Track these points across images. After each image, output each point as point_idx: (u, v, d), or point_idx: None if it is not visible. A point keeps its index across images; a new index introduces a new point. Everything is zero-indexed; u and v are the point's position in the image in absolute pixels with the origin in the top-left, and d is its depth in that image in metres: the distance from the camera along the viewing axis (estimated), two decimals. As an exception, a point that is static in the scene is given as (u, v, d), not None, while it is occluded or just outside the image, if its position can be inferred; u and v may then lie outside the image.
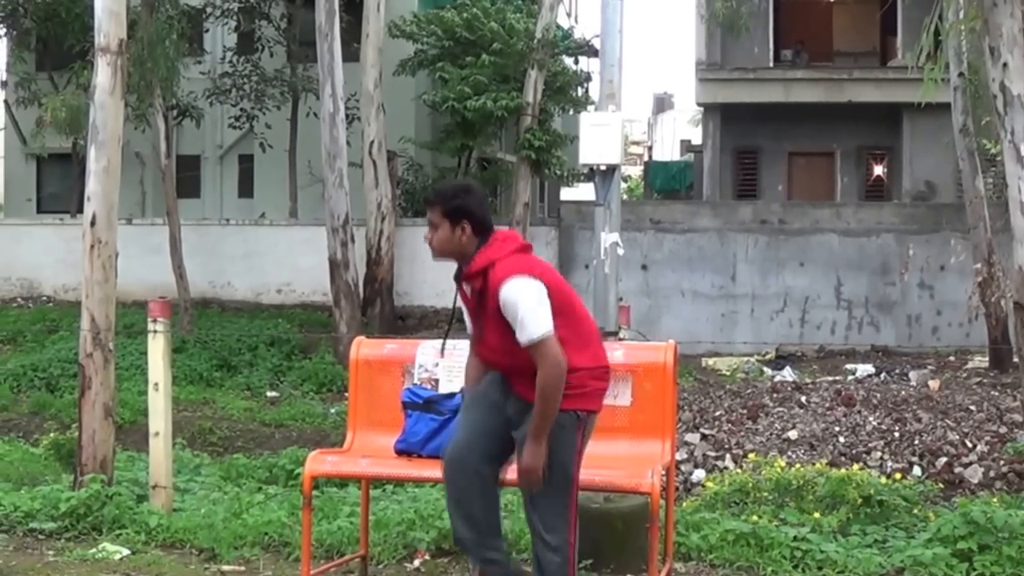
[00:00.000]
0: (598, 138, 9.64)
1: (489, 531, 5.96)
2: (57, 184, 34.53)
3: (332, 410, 18.45)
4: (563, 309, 5.76)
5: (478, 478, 5.89)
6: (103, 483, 8.70)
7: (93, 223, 9.23)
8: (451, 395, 6.62)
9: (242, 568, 7.52)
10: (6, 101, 34.52)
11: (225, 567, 7.52)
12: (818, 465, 10.61)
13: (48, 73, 30.81)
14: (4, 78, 33.31)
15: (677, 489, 10.39)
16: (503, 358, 5.89)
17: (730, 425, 13.93)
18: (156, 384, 8.78)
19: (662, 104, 69.62)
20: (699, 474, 12.78)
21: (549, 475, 5.79)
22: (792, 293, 25.86)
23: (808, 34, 33.73)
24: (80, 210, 9.87)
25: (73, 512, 8.40)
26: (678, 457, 12.30)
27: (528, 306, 5.65)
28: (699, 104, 34.23)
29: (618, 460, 6.46)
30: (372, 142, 24.53)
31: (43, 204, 35.29)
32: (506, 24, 26.49)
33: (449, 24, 27.09)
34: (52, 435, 13.27)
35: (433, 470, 6.39)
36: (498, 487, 6.05)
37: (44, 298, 28.55)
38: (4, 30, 31.16)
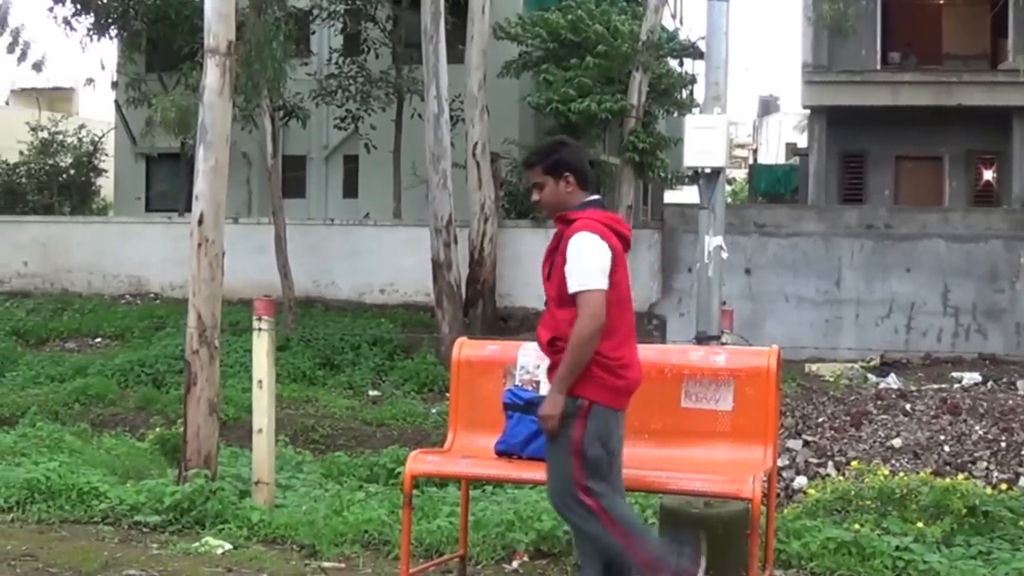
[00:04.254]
0: (703, 140, 9.59)
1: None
2: (166, 183, 35.01)
3: (433, 410, 18.51)
4: (616, 288, 5.88)
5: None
6: (207, 478, 8.80)
7: (201, 222, 9.35)
8: (551, 397, 6.62)
9: (342, 565, 7.57)
10: (117, 101, 35.05)
11: (325, 564, 7.57)
12: (922, 474, 10.45)
13: (158, 74, 31.24)
14: (115, 79, 33.82)
15: (778, 496, 10.30)
16: (548, 327, 6.00)
17: (833, 432, 13.77)
18: (260, 381, 8.86)
19: (767, 107, 69.04)
20: (801, 481, 12.65)
21: (550, 454, 6.00)
22: (898, 299, 25.50)
23: (916, 36, 33.26)
24: (188, 209, 9.98)
25: (177, 506, 8.51)
26: (780, 463, 12.19)
27: (590, 257, 5.81)
28: (805, 107, 33.88)
29: (719, 465, 6.42)
30: (476, 144, 24.59)
31: (152, 203, 35.79)
32: (611, 26, 26.43)
33: (554, 26, 27.09)
34: (158, 430, 13.42)
35: (533, 472, 6.40)
36: None
37: (151, 295, 28.94)
38: (115, 31, 31.62)
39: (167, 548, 7.91)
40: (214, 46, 9.58)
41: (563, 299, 5.88)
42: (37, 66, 37.05)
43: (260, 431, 8.86)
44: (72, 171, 37.83)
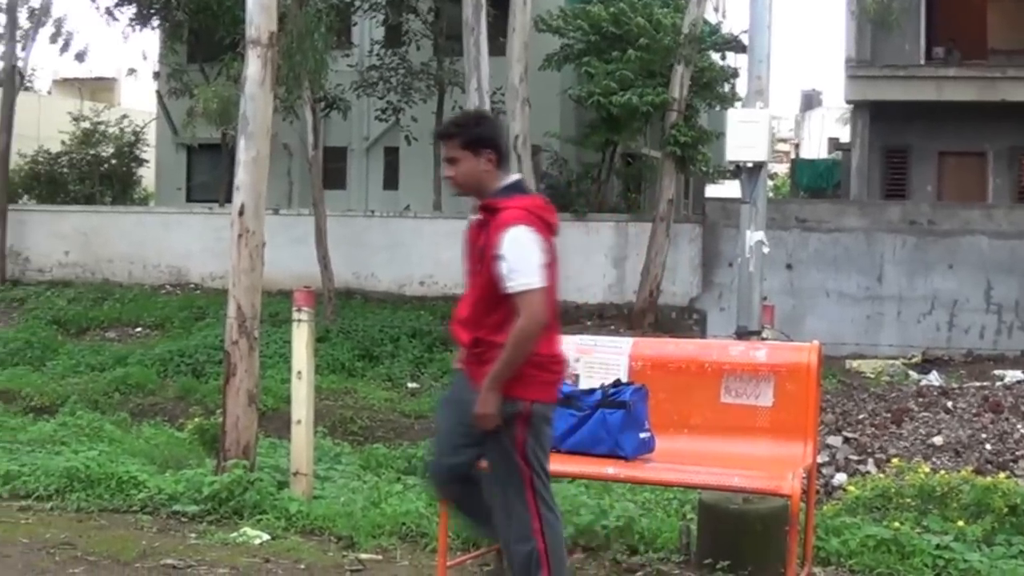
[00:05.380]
0: (745, 134, 9.52)
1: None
2: (207, 173, 35.15)
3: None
4: (548, 281, 5.57)
5: (458, 481, 5.90)
6: (245, 468, 8.81)
7: (241, 212, 9.36)
8: (591, 391, 6.59)
9: (379, 557, 7.57)
10: (158, 92, 35.21)
11: (363, 555, 7.57)
12: (963, 472, 10.40)
13: (200, 65, 31.39)
14: (157, 69, 33.98)
15: (818, 492, 10.25)
16: (470, 325, 5.72)
17: (873, 429, 13.73)
18: (299, 372, 8.87)
19: (810, 101, 68.72)
20: (840, 478, 12.60)
21: (493, 463, 5.71)
22: (940, 296, 25.36)
23: (961, 31, 32.97)
24: (229, 199, 10.01)
25: (215, 496, 8.52)
26: (819, 460, 12.14)
27: (530, 254, 5.46)
28: (848, 102, 33.69)
29: (758, 461, 6.38)
30: (517, 136, 24.56)
31: (193, 193, 35.97)
32: (653, 19, 26.36)
33: (595, 18, 27.03)
34: (197, 420, 13.48)
35: (573, 465, 6.38)
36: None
37: (192, 285, 29.06)
38: (157, 22, 31.76)
39: (205, 538, 7.92)
40: (256, 37, 9.59)
41: (490, 297, 5.57)
42: (79, 56, 37.32)
43: (299, 422, 8.86)
44: (113, 161, 38.03)
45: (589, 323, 24.18)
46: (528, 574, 5.64)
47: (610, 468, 6.43)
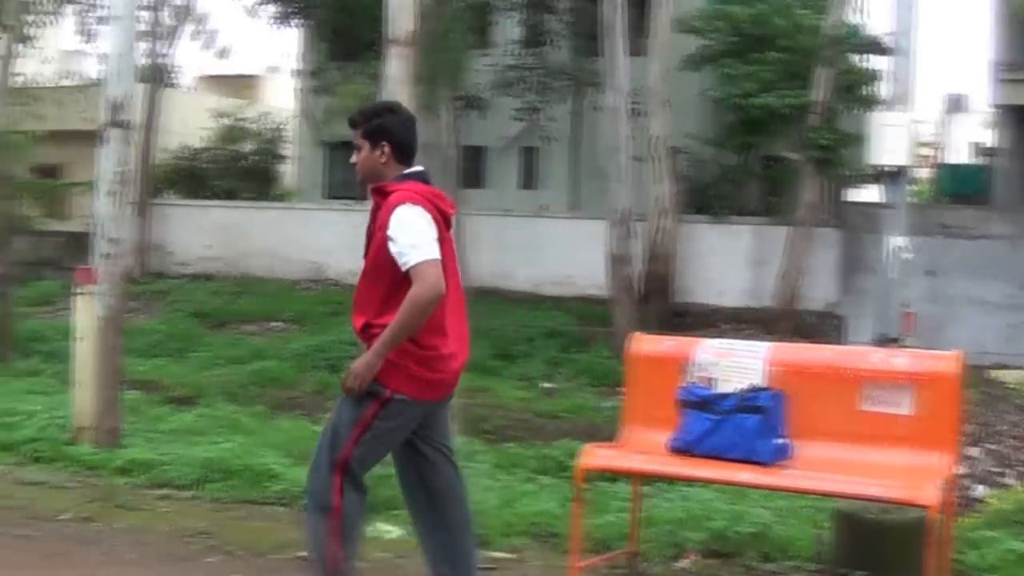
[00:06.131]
0: (887, 138, 9.40)
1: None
2: (347, 171, 35.45)
3: (606, 404, 18.46)
4: (444, 270, 5.49)
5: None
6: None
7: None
8: (727, 395, 6.53)
9: (512, 556, 7.58)
10: (299, 89, 35.66)
11: (495, 554, 7.58)
12: (1109, 486, 10.15)
13: (340, 63, 31.70)
14: (298, 67, 34.40)
15: (957, 504, 10.07)
16: (361, 310, 5.67)
17: (1015, 440, 13.49)
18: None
19: (954, 104, 67.54)
20: (980, 490, 12.38)
21: (328, 428, 5.73)
22: (1088, 306, 24.77)
23: (1114, 34, 32.20)
24: (366, 196, 10.10)
25: (350, 490, 8.58)
26: (959, 471, 11.92)
27: (418, 228, 5.43)
28: (994, 106, 33.08)
29: (896, 471, 6.27)
30: (655, 137, 24.49)
31: (332, 190, 36.33)
32: (794, 20, 26.08)
33: (736, 19, 26.80)
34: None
35: (707, 469, 6.34)
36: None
37: (330, 281, 29.37)
38: (299, 21, 32.15)
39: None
40: (396, 36, 9.68)
41: (381, 280, 5.56)
42: (222, 54, 37.98)
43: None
44: (254, 157, 38.57)
45: (726, 327, 24.00)
46: (317, 538, 5.74)
47: (744, 474, 6.37)
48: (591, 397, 19.37)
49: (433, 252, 5.41)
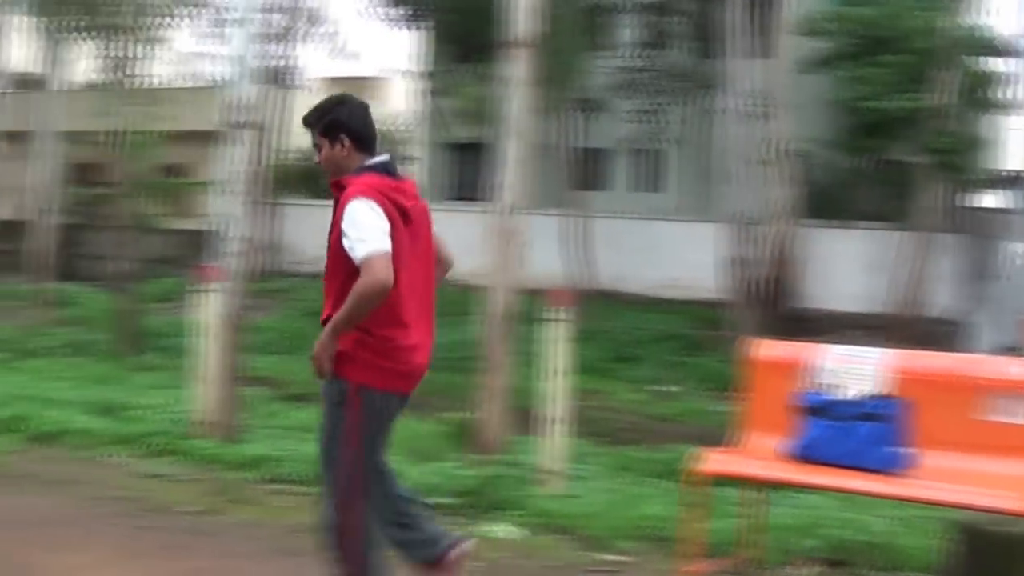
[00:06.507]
0: (1009, 142, 9.23)
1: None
2: (467, 172, 35.63)
3: (720, 408, 18.35)
4: (397, 271, 5.43)
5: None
6: (498, 464, 8.92)
7: (503, 211, 9.49)
8: (846, 401, 6.48)
9: (625, 559, 7.57)
10: (424, 91, 35.90)
11: (608, 556, 7.58)
12: None
13: (464, 65, 31.84)
14: (423, 69, 34.63)
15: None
16: (326, 302, 5.67)
17: None
18: (555, 371, 8.95)
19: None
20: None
21: (323, 441, 5.72)
22: None
23: None
24: (487, 198, 10.17)
25: (470, 490, 8.64)
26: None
27: (366, 222, 5.38)
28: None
29: (1012, 481, 6.19)
30: (775, 140, 24.31)
31: (453, 191, 36.51)
32: (915, 22, 25.73)
33: (856, 21, 26.51)
34: (453, 414, 13.65)
35: (823, 477, 6.29)
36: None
37: (448, 281, 29.48)
38: (425, 23, 32.36)
39: (458, 530, 8.04)
40: (515, 38, 9.73)
41: (339, 274, 5.53)
42: (349, 56, 38.35)
43: (553, 421, 8.94)
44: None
45: (843, 332, 23.74)
46: (338, 545, 5.68)
47: (861, 482, 6.31)
48: (705, 401, 19.27)
49: (382, 245, 5.37)
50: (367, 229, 5.38)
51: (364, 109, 5.89)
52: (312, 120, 5.80)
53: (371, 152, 5.76)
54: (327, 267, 5.68)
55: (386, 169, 5.71)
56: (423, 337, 5.79)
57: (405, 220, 5.60)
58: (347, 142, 5.70)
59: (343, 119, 5.73)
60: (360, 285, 5.30)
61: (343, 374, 5.57)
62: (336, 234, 5.53)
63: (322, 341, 5.51)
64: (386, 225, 5.43)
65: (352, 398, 5.59)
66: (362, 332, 5.50)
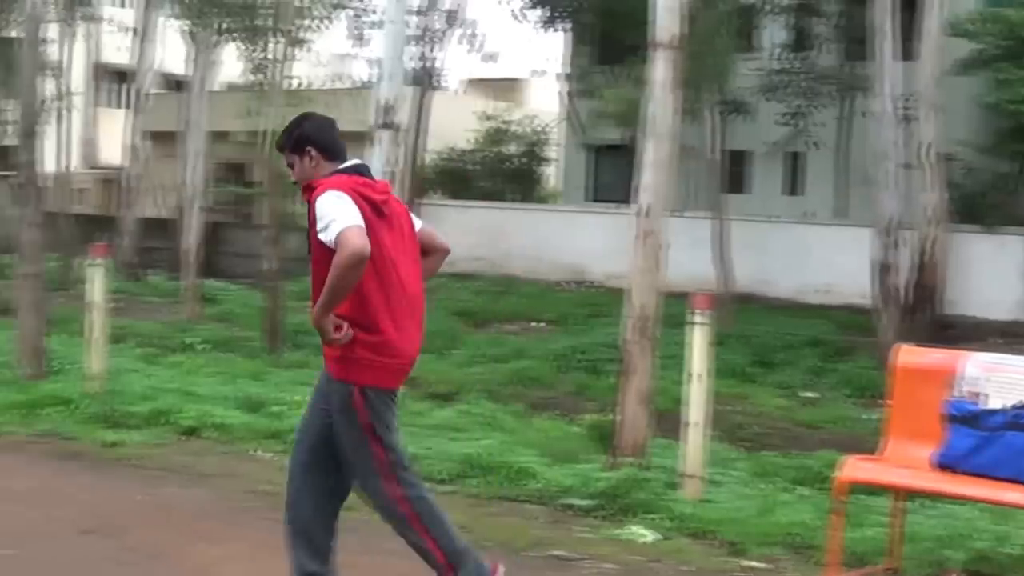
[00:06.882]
0: None
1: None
2: (610, 174, 35.61)
3: (867, 416, 18.08)
4: (379, 266, 5.62)
5: (300, 469, 5.97)
6: (637, 467, 8.89)
7: (643, 214, 9.46)
8: (997, 411, 6.35)
9: (766, 566, 7.50)
10: (564, 93, 35.95)
11: (749, 562, 7.52)
12: None
13: (605, 67, 31.83)
14: (563, 71, 34.68)
15: None
16: (315, 293, 5.70)
17: None
18: (695, 375, 8.89)
19: None
20: None
21: (346, 451, 5.83)
22: None
23: None
24: (631, 200, 10.14)
25: (606, 492, 8.63)
26: None
27: (336, 207, 5.55)
28: None
29: None
30: (925, 143, 23.88)
31: (595, 193, 36.51)
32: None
33: (1011, 22, 25.91)
34: (590, 416, 13.63)
35: (973, 487, 6.18)
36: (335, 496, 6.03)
37: (591, 283, 29.51)
38: (565, 25, 32.41)
39: (593, 532, 8.03)
40: (662, 39, 9.67)
41: (323, 268, 5.61)
42: (489, 57, 38.53)
43: (693, 424, 8.89)
44: (519, 160, 39.02)
45: (995, 340, 23.25)
46: (407, 530, 5.90)
47: (1012, 494, 6.18)
48: (852, 408, 18.97)
49: (353, 220, 5.51)
50: (335, 211, 5.55)
51: (329, 122, 6.16)
52: (283, 142, 6.05)
53: (340, 161, 5.94)
54: (313, 269, 5.80)
55: (356, 170, 5.90)
56: (413, 331, 5.93)
57: (378, 213, 5.75)
58: (314, 153, 5.93)
59: (308, 133, 5.99)
60: (338, 257, 5.44)
61: (345, 378, 5.74)
62: (314, 233, 5.68)
63: (315, 321, 5.61)
64: (355, 209, 5.59)
65: (357, 399, 5.75)
66: (357, 330, 5.66)
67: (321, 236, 5.57)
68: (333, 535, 6.06)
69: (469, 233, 31.78)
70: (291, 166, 6.03)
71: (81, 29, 34.99)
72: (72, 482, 7.56)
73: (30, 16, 13.96)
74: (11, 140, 24.29)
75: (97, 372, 12.16)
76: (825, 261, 27.22)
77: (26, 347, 13.20)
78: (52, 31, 28.35)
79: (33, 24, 13.96)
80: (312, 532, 5.97)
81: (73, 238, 28.29)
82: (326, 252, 5.55)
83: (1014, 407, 6.33)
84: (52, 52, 29.61)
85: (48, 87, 28.65)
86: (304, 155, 5.93)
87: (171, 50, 35.67)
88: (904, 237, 23.57)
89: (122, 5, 40.77)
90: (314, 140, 5.94)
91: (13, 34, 26.13)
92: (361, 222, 5.54)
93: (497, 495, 8.92)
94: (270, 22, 21.26)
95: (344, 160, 5.93)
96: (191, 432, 10.92)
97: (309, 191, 5.79)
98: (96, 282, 12.41)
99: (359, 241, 5.44)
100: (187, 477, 8.95)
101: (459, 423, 12.36)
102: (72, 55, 33.70)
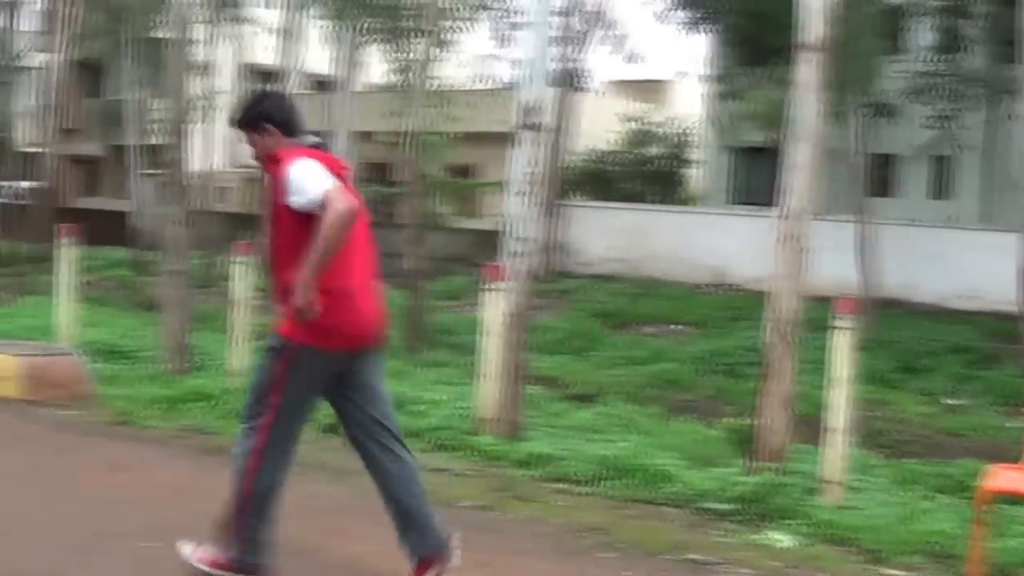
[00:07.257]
0: None
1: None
2: (752, 176, 35.40)
3: (1012, 424, 17.77)
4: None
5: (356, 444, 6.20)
6: (776, 472, 8.84)
7: (786, 216, 9.40)
8: None
9: (906, 574, 7.42)
10: (707, 94, 35.79)
11: (889, 570, 7.45)
12: None
13: (749, 68, 31.61)
14: (706, 72, 34.53)
15: None
16: (279, 274, 5.75)
17: None
18: (839, 380, 8.83)
19: None
20: None
21: (255, 379, 5.93)
22: None
23: None
24: (773, 203, 10.09)
25: (744, 497, 8.59)
26: None
27: (309, 172, 5.62)
28: None
29: None
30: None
31: (737, 195, 36.32)
32: None
33: None
34: (729, 419, 13.58)
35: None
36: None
37: (731, 286, 29.35)
38: (708, 26, 32.26)
39: (730, 537, 8.00)
40: (807, 41, 9.61)
41: (292, 241, 5.65)
42: (632, 59, 38.54)
43: (834, 430, 8.82)
44: (661, 161, 38.93)
45: None
46: (235, 498, 5.93)
47: None
48: (995, 416, 18.65)
49: (332, 181, 5.62)
50: (313, 175, 5.64)
51: (283, 98, 6.33)
52: (239, 119, 6.13)
53: (298, 138, 6.00)
54: (278, 241, 5.85)
55: (317, 146, 5.99)
56: (368, 297, 5.98)
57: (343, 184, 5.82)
58: (272, 128, 5.99)
59: (265, 108, 6.06)
60: (328, 217, 5.50)
61: (283, 331, 5.80)
62: (279, 205, 5.74)
63: (305, 282, 5.59)
64: (328, 174, 5.69)
65: (285, 352, 5.80)
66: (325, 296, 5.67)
67: (294, 201, 5.66)
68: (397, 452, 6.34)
69: (610, 234, 31.83)
70: (252, 143, 6.11)
71: (228, 30, 35.64)
72: (214, 476, 7.70)
73: (178, 17, 14.27)
74: (159, 139, 24.83)
75: (238, 368, 12.39)
76: (971, 266, 26.79)
77: (170, 343, 13.49)
78: (200, 32, 28.91)
79: (181, 25, 14.27)
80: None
81: (217, 236, 28.79)
82: (298, 218, 5.65)
83: None
84: (200, 53, 30.18)
85: (195, 87, 29.21)
86: (262, 131, 6.01)
87: (315, 51, 36.15)
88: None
89: (267, 6, 41.41)
90: (271, 115, 6.04)
91: (162, 35, 26.69)
92: (339, 184, 5.68)
93: (634, 497, 8.93)
94: (413, 23, 21.48)
95: (302, 137, 6.02)
96: (331, 430, 11.08)
97: (274, 163, 5.87)
98: (239, 279, 12.66)
99: (346, 200, 5.56)
100: (327, 473, 9.08)
101: (597, 425, 12.38)
102: (219, 56, 34.32)
